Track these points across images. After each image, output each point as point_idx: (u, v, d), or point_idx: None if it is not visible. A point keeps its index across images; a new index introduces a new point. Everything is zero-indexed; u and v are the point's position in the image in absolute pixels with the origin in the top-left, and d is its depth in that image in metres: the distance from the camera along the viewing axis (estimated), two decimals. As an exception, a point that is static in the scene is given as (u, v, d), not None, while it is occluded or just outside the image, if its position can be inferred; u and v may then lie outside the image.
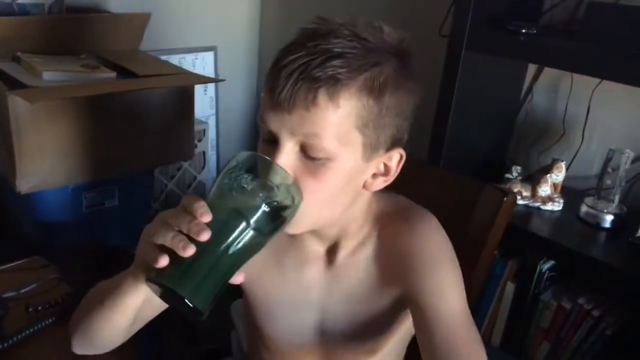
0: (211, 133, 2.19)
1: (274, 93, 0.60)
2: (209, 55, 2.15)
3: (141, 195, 1.66)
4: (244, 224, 0.55)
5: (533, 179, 1.39)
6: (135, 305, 0.64)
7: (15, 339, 0.74)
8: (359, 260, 0.75)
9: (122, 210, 1.57)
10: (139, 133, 1.51)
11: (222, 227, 0.55)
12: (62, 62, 1.47)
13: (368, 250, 0.75)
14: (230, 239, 0.55)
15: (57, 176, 1.38)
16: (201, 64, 2.11)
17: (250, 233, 0.56)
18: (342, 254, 0.76)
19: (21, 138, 1.29)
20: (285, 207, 0.59)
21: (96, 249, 1.39)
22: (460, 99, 1.33)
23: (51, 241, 1.43)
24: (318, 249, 0.77)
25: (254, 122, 2.35)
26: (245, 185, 0.57)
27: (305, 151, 0.62)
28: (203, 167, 2.15)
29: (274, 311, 0.81)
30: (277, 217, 0.58)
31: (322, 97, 0.59)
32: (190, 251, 0.53)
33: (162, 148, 1.57)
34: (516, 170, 1.42)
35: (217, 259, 0.55)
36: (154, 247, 0.56)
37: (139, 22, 1.63)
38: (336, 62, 0.59)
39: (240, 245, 0.55)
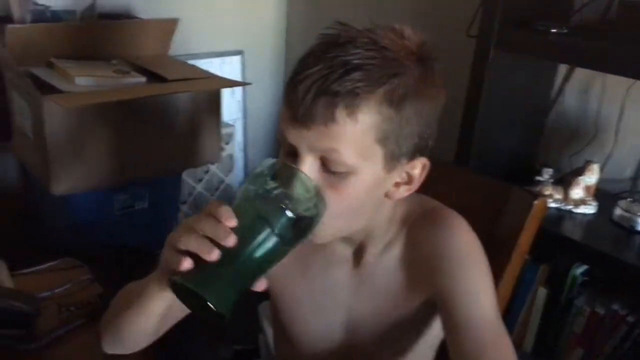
0: (238, 136, 2.20)
1: (293, 108, 0.60)
2: (236, 59, 2.17)
3: (170, 197, 1.69)
4: (268, 231, 0.55)
5: (565, 181, 1.37)
6: (160, 309, 0.65)
7: (47, 338, 0.75)
8: (386, 262, 0.75)
9: (152, 212, 1.60)
10: (168, 136, 1.53)
11: (246, 233, 0.55)
12: (94, 67, 1.50)
13: (395, 252, 0.75)
14: (255, 245, 0.55)
15: (89, 179, 1.41)
16: (228, 68, 2.13)
17: (273, 240, 0.56)
18: (369, 255, 0.75)
19: (55, 142, 1.33)
20: (309, 217, 0.58)
21: (125, 250, 1.41)
22: (488, 99, 1.32)
23: (83, 242, 1.46)
24: (344, 251, 0.76)
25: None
26: (271, 193, 0.57)
27: (325, 165, 0.62)
28: (230, 170, 2.17)
29: (301, 313, 0.81)
30: (301, 225, 0.58)
31: (340, 112, 0.58)
32: (214, 255, 0.53)
33: (190, 151, 1.59)
34: (547, 173, 1.39)
35: (240, 264, 0.55)
36: (178, 251, 0.56)
37: (168, 27, 1.66)
38: (355, 75, 0.58)
39: (264, 251, 0.55)
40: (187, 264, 0.54)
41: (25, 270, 0.88)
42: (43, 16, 1.53)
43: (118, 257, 1.33)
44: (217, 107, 1.61)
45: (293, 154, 0.62)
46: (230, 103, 2.15)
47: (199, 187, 2.07)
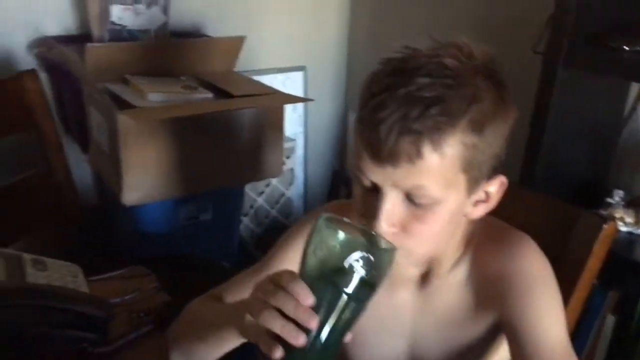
0: (299, 150, 2.24)
1: (374, 148, 0.59)
2: (298, 75, 2.22)
3: (232, 209, 1.73)
4: (345, 299, 0.55)
5: (637, 204, 1.31)
6: (235, 346, 0.68)
7: (120, 342, 0.79)
8: (452, 283, 0.74)
9: (215, 223, 1.65)
10: (233, 150, 1.58)
11: (325, 307, 0.55)
12: (165, 84, 1.57)
13: (461, 274, 0.74)
14: (335, 316, 0.55)
15: (158, 190, 1.47)
16: (291, 83, 2.17)
17: (353, 305, 0.56)
18: (435, 276, 0.75)
19: (128, 154, 1.40)
20: (384, 272, 0.58)
21: (190, 259, 1.46)
22: (555, 119, 1.28)
23: (149, 251, 1.52)
24: (411, 271, 0.76)
25: (342, 140, 2.39)
26: (344, 260, 0.55)
27: (410, 198, 0.62)
28: (291, 184, 2.21)
29: (363, 338, 0.79)
30: (378, 281, 0.57)
31: (426, 148, 0.58)
32: (302, 340, 0.53)
33: (253, 165, 1.63)
34: (618, 195, 1.34)
35: (326, 337, 0.55)
36: (263, 331, 0.56)
37: (235, 45, 1.72)
38: (434, 111, 0.58)
39: (345, 318, 0.56)
40: (278, 353, 0.54)
41: (97, 277, 0.93)
42: (120, 35, 1.62)
43: (183, 266, 1.38)
44: (281, 123, 1.65)
45: (373, 189, 0.63)
46: (292, 117, 2.19)
47: (260, 200, 2.12)
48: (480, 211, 0.68)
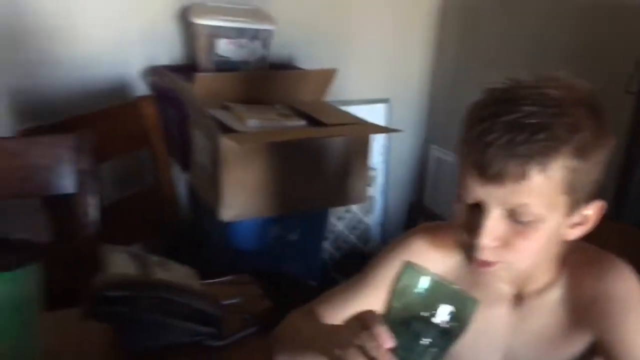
0: (380, 179, 2.31)
1: (481, 168, 0.65)
2: (382, 107, 2.30)
3: (317, 232, 1.82)
4: (425, 347, 0.59)
5: None
6: None
7: (232, 339, 0.88)
8: (546, 302, 0.77)
9: (301, 244, 1.73)
10: (321, 175, 1.67)
11: (405, 351, 0.59)
12: (261, 111, 1.69)
13: (556, 294, 0.76)
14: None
15: (252, 208, 1.58)
16: (374, 114, 2.25)
17: (432, 352, 0.60)
18: (530, 294, 0.77)
19: (228, 174, 1.52)
20: (466, 323, 0.61)
21: (278, 276, 1.55)
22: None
23: (240, 266, 1.62)
24: (506, 289, 0.78)
25: (421, 172, 2.43)
26: (427, 309, 0.59)
27: (512, 215, 0.66)
28: (370, 212, 2.27)
29: (459, 351, 0.82)
30: (459, 332, 0.61)
31: (533, 170, 0.63)
32: None
33: (339, 190, 1.72)
34: None
35: None
36: None
37: (326, 76, 1.82)
38: (541, 136, 0.62)
39: None
40: None
41: (207, 281, 1.03)
42: (223, 66, 1.77)
43: (273, 282, 1.47)
44: (367, 151, 1.73)
45: (475, 205, 0.68)
46: (374, 147, 2.26)
47: (340, 225, 2.19)
48: (576, 233, 0.72)
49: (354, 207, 2.20)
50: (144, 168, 1.61)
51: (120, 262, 0.89)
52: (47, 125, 1.38)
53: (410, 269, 0.62)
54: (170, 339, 0.86)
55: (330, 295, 0.87)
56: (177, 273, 0.93)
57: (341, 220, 2.20)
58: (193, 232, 1.85)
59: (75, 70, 1.76)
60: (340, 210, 2.17)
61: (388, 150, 2.32)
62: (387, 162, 2.33)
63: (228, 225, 1.59)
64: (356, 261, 2.25)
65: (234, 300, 0.96)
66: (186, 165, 1.78)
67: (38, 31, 1.70)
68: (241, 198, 1.56)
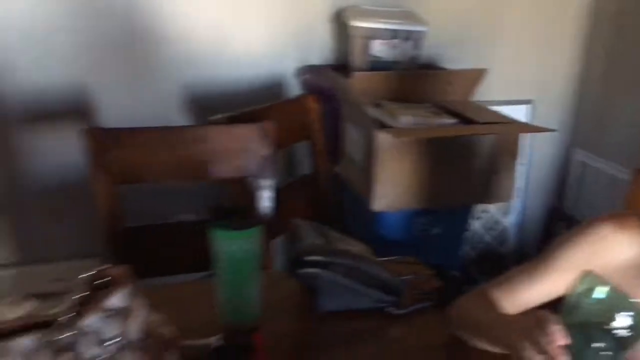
0: (520, 181, 2.29)
1: None
2: (523, 108, 2.28)
3: (459, 228, 1.86)
4: (598, 352, 0.61)
5: None
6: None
7: (411, 308, 0.96)
8: None
9: (444, 238, 1.79)
10: (468, 172, 1.71)
11: (578, 354, 0.61)
12: (412, 109, 1.77)
13: None
14: None
15: (402, 200, 1.66)
16: (515, 115, 2.24)
17: (605, 356, 0.62)
18: None
19: (382, 166, 1.61)
20: None
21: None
22: None
23: (386, 255, 1.71)
24: None
25: (563, 177, 2.38)
26: (605, 318, 0.62)
27: None
28: (507, 213, 2.26)
29: None
30: (634, 342, 0.63)
31: None
32: None
33: (486, 188, 1.75)
34: None
35: None
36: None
37: (476, 76, 1.86)
38: None
39: None
40: None
41: (380, 259, 1.12)
42: (376, 65, 1.87)
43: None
44: (515, 150, 1.74)
45: None
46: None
47: (477, 225, 2.21)
48: None
49: (492, 208, 2.21)
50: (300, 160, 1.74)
51: (312, 234, 1.01)
52: (227, 117, 1.55)
53: (589, 276, 0.65)
54: (357, 304, 0.96)
55: (508, 279, 0.90)
56: (357, 247, 1.03)
57: (478, 220, 2.21)
58: (340, 220, 1.96)
59: (238, 70, 1.95)
60: (477, 210, 2.19)
61: (531, 152, 2.30)
62: (529, 165, 2.30)
63: (376, 215, 1.69)
64: (492, 260, 2.26)
65: (408, 277, 1.04)
66: (335, 156, 1.90)
67: (216, 40, 1.91)
68: (392, 190, 1.64)
